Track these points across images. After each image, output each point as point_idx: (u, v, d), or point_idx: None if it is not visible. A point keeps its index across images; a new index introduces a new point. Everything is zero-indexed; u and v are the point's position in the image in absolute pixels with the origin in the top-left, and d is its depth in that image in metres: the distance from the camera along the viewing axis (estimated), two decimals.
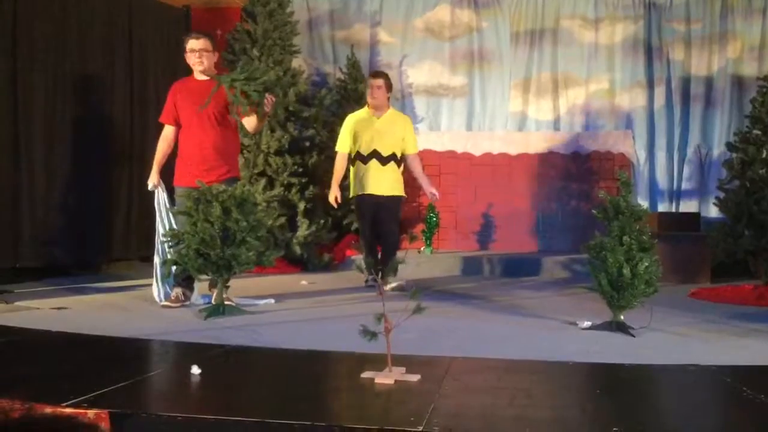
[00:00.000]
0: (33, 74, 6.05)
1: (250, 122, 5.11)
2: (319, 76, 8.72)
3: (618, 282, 4.08)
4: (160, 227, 5.05)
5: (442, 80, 8.64)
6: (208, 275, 4.78)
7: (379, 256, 5.97)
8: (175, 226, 4.95)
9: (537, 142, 8.37)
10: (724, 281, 6.44)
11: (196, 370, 2.98)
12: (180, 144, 5.13)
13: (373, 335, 2.85)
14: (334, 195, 6.07)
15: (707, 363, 3.31)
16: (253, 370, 3.27)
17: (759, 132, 6.85)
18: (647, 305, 4.18)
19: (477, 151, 8.44)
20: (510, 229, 8.27)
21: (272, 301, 5.18)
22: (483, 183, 8.38)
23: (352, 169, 6.11)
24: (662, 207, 8.17)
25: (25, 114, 5.99)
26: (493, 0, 8.56)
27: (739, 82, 8.15)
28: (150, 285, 5.17)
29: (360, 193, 6.00)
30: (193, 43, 5.05)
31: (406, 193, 6.26)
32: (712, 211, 7.60)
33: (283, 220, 7.13)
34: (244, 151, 7.08)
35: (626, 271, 4.03)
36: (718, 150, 8.09)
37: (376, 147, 5.97)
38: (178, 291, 5.01)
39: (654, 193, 8.29)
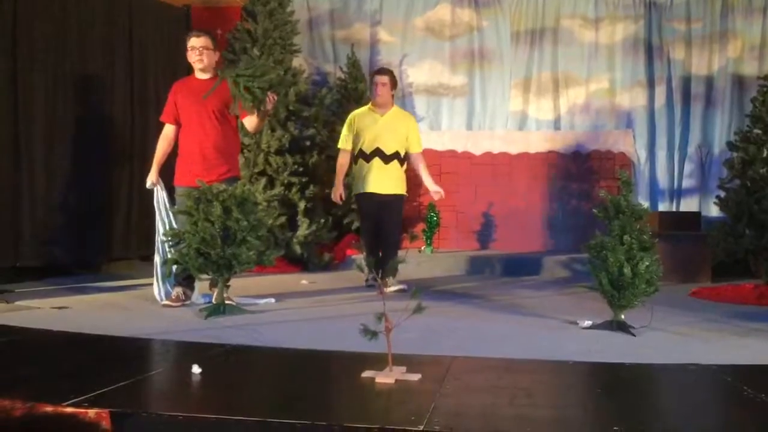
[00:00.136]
0: (33, 74, 6.05)
1: (250, 121, 5.11)
2: (320, 75, 8.72)
3: (619, 281, 4.08)
4: (160, 226, 5.05)
5: (442, 79, 8.63)
6: (208, 274, 4.78)
7: (380, 255, 5.94)
8: (174, 225, 4.96)
9: (537, 141, 8.37)
10: (724, 280, 6.44)
11: (196, 369, 2.98)
12: (180, 143, 5.14)
13: (374, 334, 2.85)
14: (338, 192, 6.04)
15: (708, 362, 3.31)
16: (253, 370, 3.27)
17: (759, 131, 6.86)
18: (648, 305, 4.18)
19: (477, 151, 8.44)
20: (510, 228, 8.27)
21: (273, 300, 5.18)
22: (483, 182, 8.38)
23: (354, 167, 6.06)
24: (663, 206, 8.17)
25: (25, 113, 5.99)
26: None
27: (739, 82, 8.14)
28: (150, 284, 5.17)
29: (362, 191, 5.95)
30: (194, 41, 5.05)
31: (407, 192, 6.24)
32: (713, 211, 7.60)
33: (283, 219, 7.13)
34: (245, 151, 7.08)
35: (627, 270, 4.03)
36: (718, 149, 8.09)
37: (380, 145, 5.91)
38: (178, 290, 5.01)
39: (654, 192, 8.29)
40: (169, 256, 4.84)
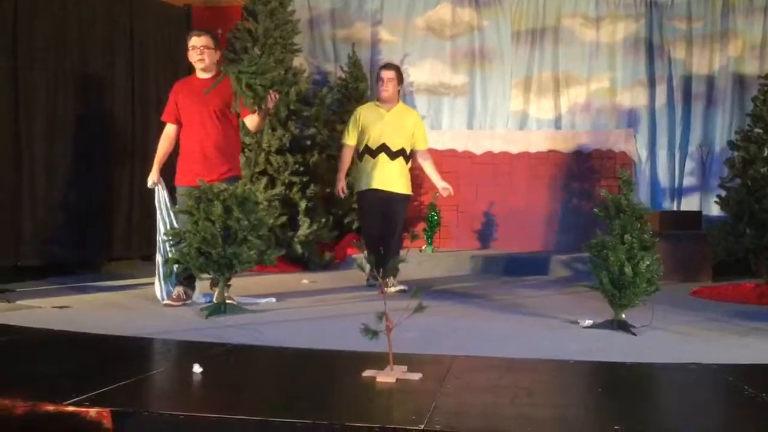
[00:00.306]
0: (34, 73, 6.04)
1: (251, 120, 5.11)
2: (320, 74, 8.72)
3: (619, 281, 4.08)
4: (161, 226, 5.06)
5: (443, 79, 8.63)
6: (209, 274, 4.79)
7: (381, 254, 5.92)
8: (175, 225, 4.96)
9: (538, 140, 8.37)
10: (725, 280, 6.44)
11: (197, 368, 2.98)
12: (181, 142, 5.14)
13: (375, 334, 2.85)
14: (340, 185, 5.98)
15: (709, 361, 3.31)
16: (254, 369, 3.27)
17: (760, 130, 6.86)
18: (648, 304, 4.18)
19: (478, 150, 8.43)
20: (511, 227, 8.27)
21: (273, 299, 5.18)
22: (484, 182, 8.38)
23: (358, 163, 5.99)
24: (664, 205, 8.17)
25: (26, 112, 5.99)
26: None
27: (740, 81, 8.14)
28: (151, 284, 5.17)
29: (366, 188, 5.86)
30: (195, 40, 5.05)
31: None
32: (714, 210, 7.60)
33: (284, 219, 7.13)
34: (245, 150, 7.08)
35: (628, 269, 4.03)
36: (719, 148, 8.08)
37: (386, 141, 5.83)
38: (179, 290, 5.01)
39: (655, 191, 8.28)
40: (170, 255, 4.84)
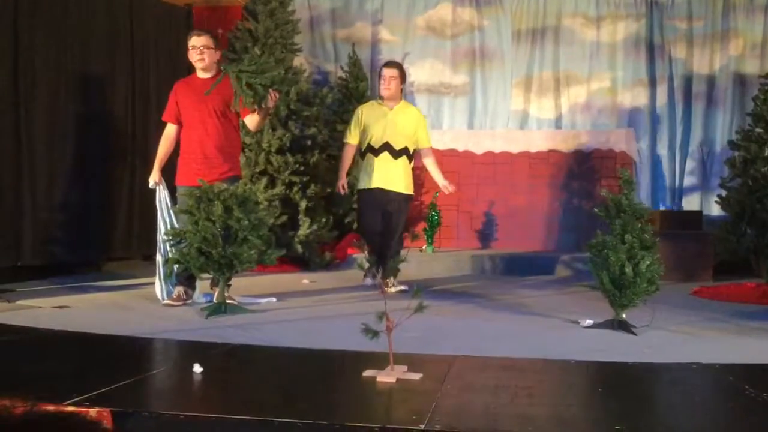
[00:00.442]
0: (35, 73, 6.04)
1: (251, 120, 5.11)
2: (321, 74, 8.72)
3: (620, 280, 4.08)
4: (162, 225, 5.05)
5: (443, 78, 8.63)
6: (209, 274, 4.79)
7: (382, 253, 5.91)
8: (176, 225, 4.96)
9: (538, 140, 8.36)
10: (726, 279, 6.44)
11: (197, 368, 2.98)
12: (182, 142, 5.14)
13: (375, 334, 2.85)
14: (341, 183, 5.94)
15: (709, 361, 3.31)
16: (254, 369, 3.27)
17: (761, 130, 6.85)
18: (649, 304, 4.18)
19: (478, 150, 8.42)
20: (512, 227, 8.26)
21: (274, 299, 5.18)
22: (484, 181, 8.37)
23: (360, 161, 5.95)
24: (664, 205, 8.16)
25: (26, 113, 5.98)
26: None
27: (741, 80, 8.14)
28: (151, 283, 5.17)
29: (368, 186, 5.80)
30: (195, 40, 5.05)
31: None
32: (714, 210, 7.59)
33: (284, 218, 7.13)
34: (246, 150, 7.08)
35: (628, 269, 4.03)
36: (720, 148, 8.08)
37: (388, 140, 5.77)
38: (179, 289, 5.01)
39: (656, 191, 8.28)
40: (170, 255, 4.84)
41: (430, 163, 6.04)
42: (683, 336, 4.05)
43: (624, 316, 4.16)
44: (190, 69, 5.30)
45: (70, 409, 2.33)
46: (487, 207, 8.35)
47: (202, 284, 5.12)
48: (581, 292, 5.00)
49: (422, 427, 2.26)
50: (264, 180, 7.13)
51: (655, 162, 8.31)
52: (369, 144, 5.82)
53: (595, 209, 4.41)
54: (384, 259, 5.79)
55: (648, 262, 4.05)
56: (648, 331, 4.06)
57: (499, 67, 8.55)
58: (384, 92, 5.85)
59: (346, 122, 6.19)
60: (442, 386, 2.80)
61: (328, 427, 2.28)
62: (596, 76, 8.40)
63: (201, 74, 5.11)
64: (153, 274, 5.15)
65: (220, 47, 5.33)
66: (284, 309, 4.88)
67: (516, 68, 8.54)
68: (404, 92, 6.30)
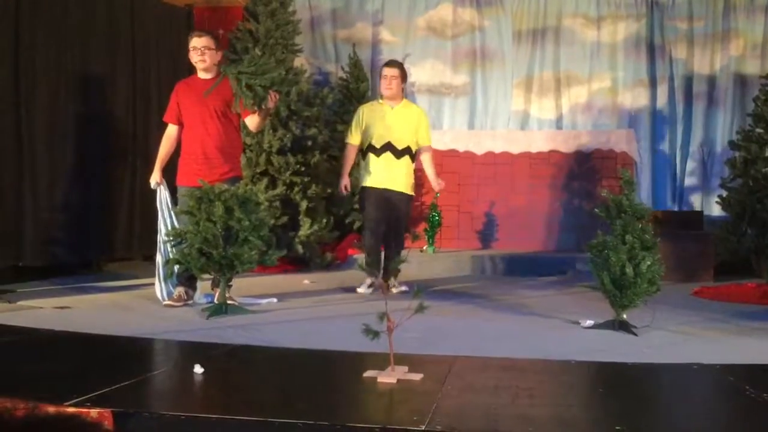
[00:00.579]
0: (35, 73, 6.04)
1: (252, 120, 5.12)
2: (321, 75, 8.72)
3: (621, 281, 4.08)
4: (162, 226, 5.06)
5: (444, 79, 8.63)
6: (210, 274, 4.79)
7: (383, 254, 5.90)
8: (177, 225, 4.96)
9: (539, 140, 8.35)
10: (726, 280, 6.43)
11: (198, 369, 2.98)
12: (183, 143, 5.14)
13: (376, 334, 2.85)
14: (344, 183, 5.89)
15: (710, 362, 3.31)
16: (255, 370, 3.28)
17: (762, 130, 6.86)
18: (650, 304, 4.18)
19: (479, 150, 8.42)
20: (512, 228, 8.26)
21: (275, 300, 5.18)
22: (485, 182, 8.37)
23: (362, 161, 5.91)
24: (665, 205, 8.16)
25: (27, 113, 5.98)
26: None
27: (741, 81, 8.13)
28: (152, 284, 5.17)
29: (370, 186, 5.76)
30: (196, 41, 5.06)
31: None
32: (715, 210, 7.59)
33: (285, 219, 7.13)
34: (247, 151, 7.08)
35: (629, 270, 4.03)
36: (720, 148, 8.07)
37: (391, 139, 5.73)
38: (180, 290, 5.01)
39: (656, 191, 8.28)
40: (171, 255, 4.84)
41: (426, 159, 5.96)
42: (684, 336, 4.05)
43: (625, 316, 4.16)
44: (191, 69, 5.30)
45: (71, 410, 2.33)
46: (487, 207, 8.35)
47: (203, 285, 5.12)
48: (582, 292, 4.99)
49: (423, 427, 2.27)
50: (265, 180, 7.14)
51: (656, 162, 8.31)
52: (371, 144, 5.79)
53: (595, 209, 4.41)
54: (386, 260, 5.79)
55: (649, 263, 4.06)
56: (649, 332, 4.07)
57: (499, 68, 8.55)
58: (385, 92, 5.83)
59: (347, 123, 6.17)
60: (443, 387, 2.80)
61: (328, 427, 2.28)
62: (597, 77, 8.40)
63: (202, 75, 5.12)
64: (154, 275, 5.15)
65: (221, 48, 5.33)
66: (285, 310, 4.88)
67: (516, 68, 8.54)
68: (405, 91, 6.27)
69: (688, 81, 8.25)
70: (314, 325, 4.40)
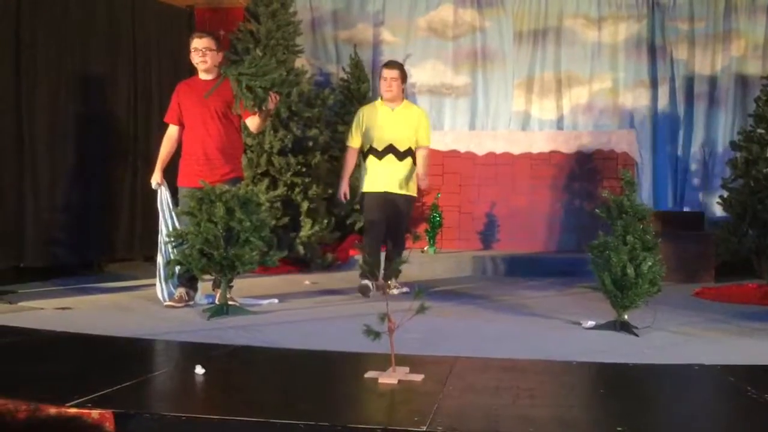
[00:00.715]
0: (36, 74, 6.04)
1: (252, 121, 5.12)
2: (322, 76, 8.72)
3: (622, 281, 4.08)
4: (163, 227, 5.06)
5: (445, 80, 8.63)
6: (211, 275, 4.79)
7: (383, 256, 5.88)
8: (178, 226, 4.96)
9: (540, 141, 8.36)
10: (728, 280, 6.42)
11: (199, 370, 2.98)
12: (184, 144, 5.15)
13: (377, 335, 2.85)
14: (342, 191, 5.84)
15: (711, 362, 3.31)
16: (256, 370, 3.28)
17: (763, 131, 6.86)
18: (651, 305, 4.18)
19: (480, 151, 8.43)
20: (513, 228, 8.26)
21: (276, 301, 5.18)
22: (486, 182, 8.37)
23: (363, 164, 5.83)
24: (666, 206, 8.15)
25: (28, 114, 5.99)
26: None
27: (743, 81, 8.12)
28: (153, 285, 5.17)
29: (373, 190, 5.68)
30: (197, 42, 5.06)
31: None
32: (716, 210, 7.59)
33: (286, 220, 7.14)
34: (248, 151, 7.08)
35: (630, 270, 4.03)
36: (721, 149, 8.06)
37: (393, 142, 5.65)
38: (181, 291, 5.01)
39: (657, 192, 8.27)
40: (172, 256, 4.84)
41: (420, 156, 5.77)
42: (685, 337, 4.05)
43: (626, 317, 4.16)
44: (192, 70, 5.30)
45: (73, 411, 2.33)
46: (488, 208, 8.35)
47: (204, 285, 5.12)
48: (583, 293, 4.99)
49: (424, 428, 2.27)
50: (266, 181, 7.14)
51: (657, 163, 8.30)
52: (372, 147, 5.72)
53: (596, 210, 4.41)
54: (389, 261, 5.77)
55: (650, 263, 4.05)
56: (650, 332, 4.06)
57: (500, 68, 8.55)
58: (386, 94, 5.77)
59: (348, 123, 6.14)
60: (444, 387, 2.80)
61: (330, 428, 2.28)
62: (598, 77, 8.39)
63: (203, 76, 5.12)
64: (155, 276, 5.15)
65: (222, 49, 5.33)
66: (286, 310, 4.89)
67: (517, 69, 8.53)
68: (405, 92, 6.25)
69: (689, 81, 8.24)
70: (315, 326, 4.40)
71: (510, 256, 7.59)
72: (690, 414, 2.62)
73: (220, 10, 8.41)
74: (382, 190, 5.65)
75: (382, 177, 5.66)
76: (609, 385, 3.03)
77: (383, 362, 3.00)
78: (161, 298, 5.04)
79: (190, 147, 5.09)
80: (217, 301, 4.73)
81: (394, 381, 2.86)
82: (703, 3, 8.18)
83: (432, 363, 3.24)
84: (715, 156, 8.14)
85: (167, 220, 5.06)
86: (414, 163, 5.77)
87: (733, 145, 7.10)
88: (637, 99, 8.33)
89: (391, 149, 5.68)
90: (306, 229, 7.22)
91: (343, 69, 8.53)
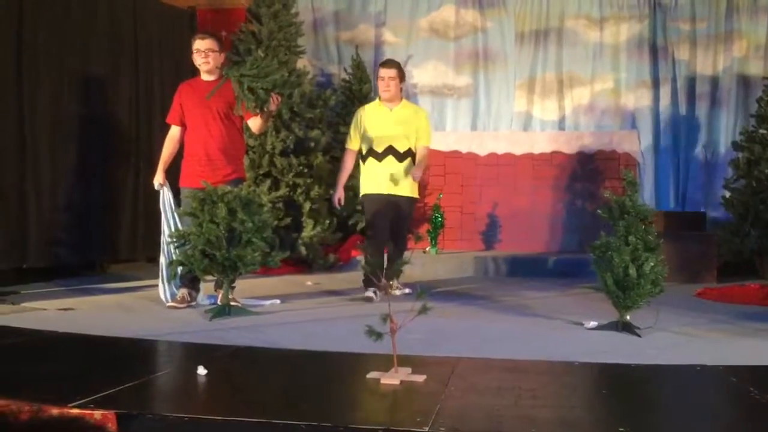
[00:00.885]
0: (38, 76, 6.05)
1: (254, 122, 5.13)
2: (324, 76, 8.73)
3: (624, 282, 4.07)
4: (165, 227, 5.06)
5: (446, 80, 8.63)
6: (213, 276, 4.79)
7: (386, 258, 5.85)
8: (180, 227, 4.96)
9: (542, 142, 8.36)
10: (730, 281, 6.42)
11: (202, 370, 2.98)
12: (186, 145, 5.15)
13: (379, 335, 2.85)
14: (338, 196, 5.74)
15: (713, 363, 3.31)
16: (258, 371, 3.28)
17: (765, 131, 6.86)
18: (653, 305, 4.17)
19: (482, 151, 8.43)
20: (515, 229, 8.26)
21: (278, 301, 5.18)
22: (488, 183, 8.38)
23: (362, 166, 5.72)
24: (668, 206, 8.15)
25: (30, 115, 6.00)
26: (497, 0, 8.56)
27: (744, 82, 8.12)
28: (156, 285, 5.18)
29: (374, 192, 5.57)
30: (199, 44, 5.06)
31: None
32: (718, 211, 7.58)
33: (288, 220, 7.14)
34: (249, 152, 7.09)
35: (632, 271, 4.03)
36: (723, 149, 8.06)
37: (393, 143, 5.53)
38: (183, 291, 5.02)
39: (659, 192, 8.27)
40: (174, 257, 4.84)
41: (419, 153, 5.63)
42: (687, 337, 4.05)
43: (628, 317, 4.16)
44: (194, 71, 5.31)
45: (75, 411, 2.34)
46: (490, 208, 8.36)
47: (206, 286, 5.13)
48: (585, 293, 4.99)
49: (426, 429, 2.27)
50: (268, 182, 7.15)
51: (659, 163, 8.30)
52: (372, 148, 5.61)
53: (598, 211, 4.40)
54: (391, 262, 5.73)
55: (652, 264, 4.05)
56: (652, 333, 4.06)
57: (502, 69, 8.55)
58: (384, 94, 5.63)
59: (350, 124, 6.10)
60: (446, 388, 2.80)
61: (332, 429, 2.28)
62: (599, 78, 8.39)
63: (205, 77, 5.12)
64: (157, 276, 5.15)
65: (224, 50, 5.33)
66: (288, 311, 4.89)
67: (519, 70, 8.53)
68: (407, 92, 6.22)
69: (691, 82, 8.24)
70: (317, 327, 4.40)
71: (512, 257, 7.59)
72: (692, 415, 2.62)
73: (221, 11, 8.43)
74: (383, 192, 5.55)
75: (383, 179, 5.55)
76: (611, 385, 3.03)
77: (385, 363, 3.00)
78: (164, 299, 5.04)
79: (192, 148, 5.09)
80: (219, 302, 4.74)
81: (397, 381, 2.86)
82: (704, 3, 8.18)
83: (434, 363, 3.24)
84: (717, 156, 8.14)
85: (169, 221, 5.06)
86: (413, 163, 5.64)
87: (735, 146, 7.10)
88: (638, 99, 8.33)
89: (390, 150, 5.56)
90: (308, 230, 7.23)
91: (345, 70, 8.54)
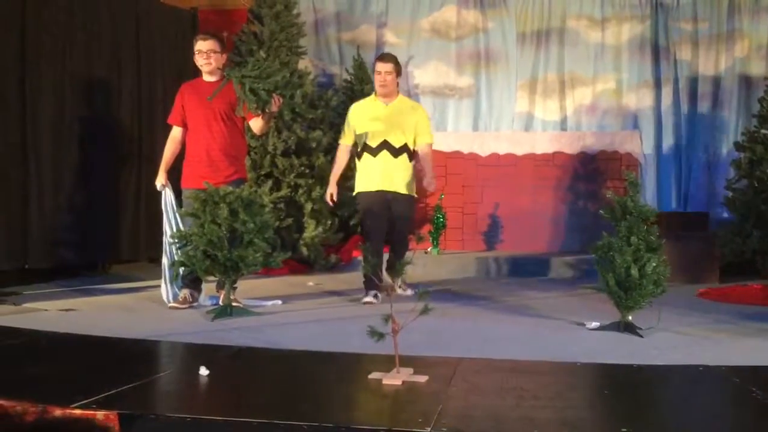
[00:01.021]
0: (41, 77, 6.06)
1: (256, 123, 5.13)
2: (326, 77, 8.73)
3: (626, 282, 4.07)
4: (167, 228, 5.07)
5: (448, 81, 8.63)
6: (215, 276, 4.80)
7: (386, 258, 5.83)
8: (182, 227, 4.96)
9: (543, 142, 8.36)
10: (732, 281, 6.42)
11: (204, 371, 2.98)
12: (187, 145, 5.15)
13: (381, 336, 2.85)
14: (330, 193, 5.55)
15: (716, 363, 3.31)
16: (260, 371, 3.28)
17: (767, 131, 6.84)
18: (655, 306, 4.17)
19: (483, 152, 8.43)
20: (517, 229, 8.26)
21: (279, 302, 5.18)
22: (489, 183, 8.38)
23: (358, 163, 5.60)
24: (670, 207, 8.15)
25: (33, 116, 6.01)
26: (499, 0, 8.55)
27: (746, 82, 8.11)
28: (158, 286, 5.18)
29: (369, 189, 5.41)
30: (201, 44, 5.07)
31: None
32: (720, 211, 7.57)
33: (289, 221, 7.14)
34: (251, 153, 7.09)
35: (634, 271, 4.02)
36: (725, 149, 8.05)
37: (387, 138, 5.38)
38: (185, 292, 5.02)
39: (661, 192, 8.26)
40: (176, 258, 4.85)
41: (425, 158, 5.52)
42: (689, 338, 4.04)
43: (630, 318, 4.16)
44: (196, 72, 5.31)
45: (78, 412, 2.34)
46: (492, 209, 8.36)
47: (208, 287, 5.13)
48: (587, 294, 4.98)
49: (428, 429, 2.27)
50: (269, 182, 7.15)
51: (661, 163, 8.29)
52: (366, 143, 5.46)
53: (600, 211, 4.40)
54: (391, 263, 5.72)
55: (654, 264, 4.05)
56: (654, 333, 4.06)
57: (503, 69, 8.54)
58: (380, 89, 5.50)
59: None
60: (448, 388, 2.80)
61: (333, 429, 2.28)
62: (601, 78, 8.39)
63: (207, 78, 5.13)
64: (159, 277, 5.16)
65: (226, 50, 5.33)
66: (290, 311, 4.89)
67: (521, 70, 8.53)
68: (408, 92, 6.19)
69: (693, 82, 8.23)
70: (319, 327, 4.40)
71: (513, 257, 7.59)
72: (695, 415, 2.62)
73: (223, 12, 8.43)
74: (377, 188, 5.41)
75: (377, 175, 5.41)
76: (613, 386, 3.03)
77: (387, 363, 3.00)
78: (165, 300, 5.04)
79: (194, 149, 5.10)
80: (221, 303, 4.74)
81: (398, 382, 2.86)
82: (706, 3, 8.17)
83: (436, 364, 3.24)
84: (718, 157, 8.13)
85: (171, 222, 5.06)
86: (410, 160, 5.52)
87: (737, 146, 7.08)
88: (640, 100, 8.32)
89: (385, 145, 5.41)
90: (309, 231, 7.23)
91: (347, 70, 8.54)
